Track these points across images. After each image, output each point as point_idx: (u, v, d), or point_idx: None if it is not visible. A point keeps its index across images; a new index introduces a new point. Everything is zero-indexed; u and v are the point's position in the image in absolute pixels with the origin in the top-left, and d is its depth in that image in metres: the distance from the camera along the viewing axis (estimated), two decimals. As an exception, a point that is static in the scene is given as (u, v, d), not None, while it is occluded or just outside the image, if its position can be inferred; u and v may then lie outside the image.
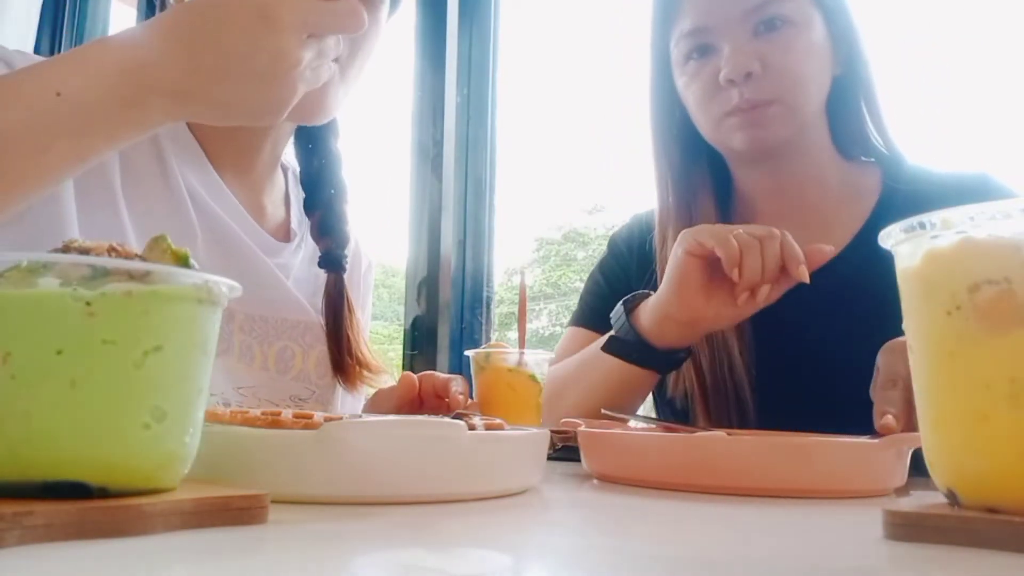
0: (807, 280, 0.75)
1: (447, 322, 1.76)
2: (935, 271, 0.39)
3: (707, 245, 0.78)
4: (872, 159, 1.00)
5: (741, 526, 0.42)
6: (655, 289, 0.88)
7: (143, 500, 0.34)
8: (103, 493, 0.34)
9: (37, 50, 2.21)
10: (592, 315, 1.07)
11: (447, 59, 1.82)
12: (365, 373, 0.93)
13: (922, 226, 0.40)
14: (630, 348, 0.86)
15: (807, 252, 0.76)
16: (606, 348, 0.88)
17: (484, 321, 1.80)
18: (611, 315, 0.90)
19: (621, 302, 0.90)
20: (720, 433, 0.61)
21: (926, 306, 0.40)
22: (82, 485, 0.34)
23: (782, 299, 0.80)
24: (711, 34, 0.93)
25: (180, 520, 0.35)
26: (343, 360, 0.92)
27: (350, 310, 0.93)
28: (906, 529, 0.37)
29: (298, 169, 0.99)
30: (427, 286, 1.79)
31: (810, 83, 0.92)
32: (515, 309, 0.94)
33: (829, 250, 0.77)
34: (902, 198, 0.94)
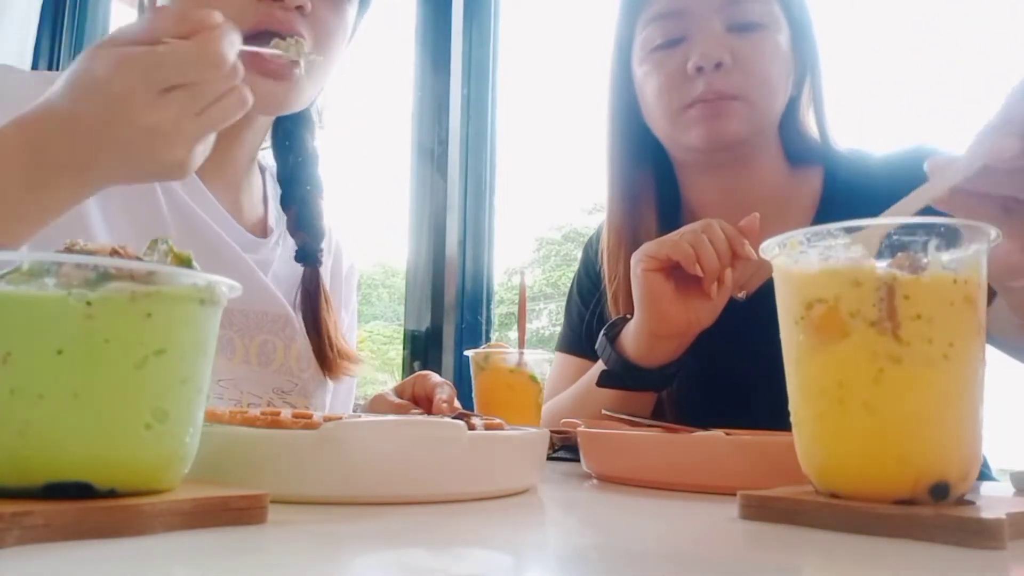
0: (755, 257, 0.77)
1: (452, 322, 1.76)
2: (786, 287, 0.46)
3: (661, 255, 0.81)
4: (814, 161, 0.99)
5: (741, 525, 0.42)
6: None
7: (143, 500, 0.34)
8: (111, 494, 0.34)
9: (37, 49, 2.21)
10: (577, 340, 1.09)
11: (452, 58, 1.82)
12: (345, 363, 0.95)
13: (781, 246, 0.45)
14: (624, 377, 0.87)
15: (741, 230, 0.80)
16: (601, 383, 0.88)
17: (484, 321, 1.80)
18: (596, 347, 0.91)
19: (603, 332, 0.90)
20: (719, 433, 0.61)
21: (783, 315, 0.46)
22: (87, 485, 0.34)
23: (732, 312, 0.83)
24: (682, 20, 0.91)
25: (180, 520, 0.35)
26: (324, 351, 0.93)
27: (327, 302, 0.95)
28: (755, 510, 0.43)
29: (275, 167, 1.00)
30: (432, 286, 1.78)
31: (774, 88, 0.91)
32: (515, 309, 0.94)
33: (755, 216, 0.80)
34: (842, 199, 0.94)
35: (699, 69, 0.88)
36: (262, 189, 1.00)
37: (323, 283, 0.95)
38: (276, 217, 0.99)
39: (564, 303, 1.19)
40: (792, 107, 0.96)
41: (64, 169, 0.56)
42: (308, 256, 0.94)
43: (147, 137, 0.54)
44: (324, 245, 1.00)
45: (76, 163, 0.55)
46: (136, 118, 0.54)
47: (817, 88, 0.97)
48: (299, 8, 0.79)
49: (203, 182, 0.88)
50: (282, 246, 0.97)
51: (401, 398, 0.88)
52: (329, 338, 0.93)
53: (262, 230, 0.96)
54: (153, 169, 0.57)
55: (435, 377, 0.88)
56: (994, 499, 0.44)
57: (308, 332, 0.93)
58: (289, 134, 0.98)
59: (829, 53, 0.97)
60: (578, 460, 0.68)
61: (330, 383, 0.97)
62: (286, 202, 0.96)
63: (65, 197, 0.57)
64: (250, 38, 0.78)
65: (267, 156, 1.01)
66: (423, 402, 0.86)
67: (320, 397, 0.95)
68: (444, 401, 0.81)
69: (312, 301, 0.93)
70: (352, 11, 0.87)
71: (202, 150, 0.59)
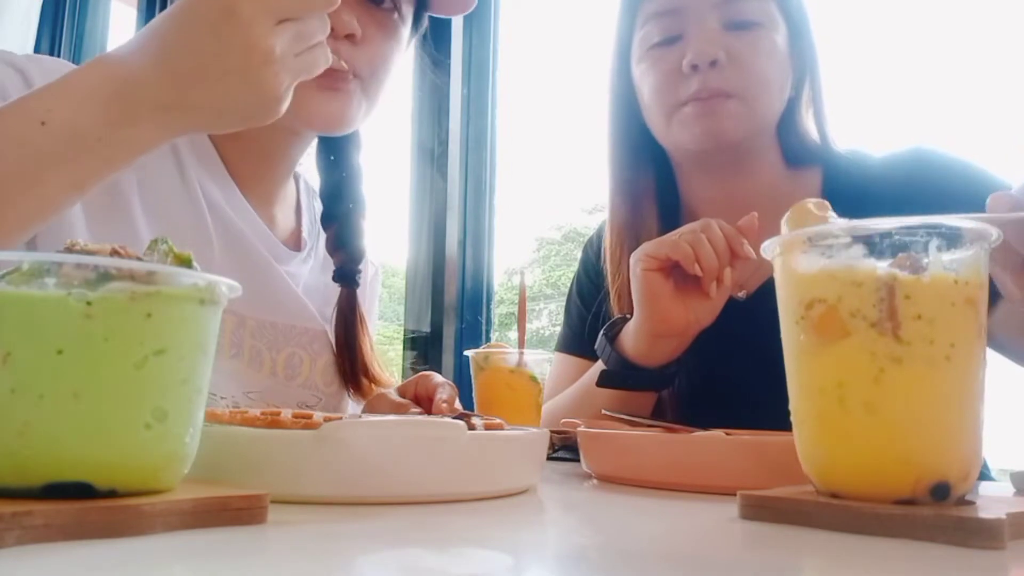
0: (753, 256, 0.77)
1: (452, 323, 1.76)
2: (786, 286, 0.46)
3: (660, 255, 0.81)
4: (813, 162, 0.98)
5: (741, 525, 0.42)
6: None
7: (143, 500, 0.34)
8: (111, 494, 0.34)
9: (37, 50, 2.21)
10: (577, 341, 1.09)
11: (452, 57, 1.82)
12: (375, 387, 0.94)
13: (782, 245, 0.45)
14: (624, 378, 0.87)
15: (740, 230, 0.80)
16: (601, 383, 0.88)
17: (484, 321, 1.80)
18: (596, 347, 0.91)
19: (602, 332, 0.90)
20: (719, 433, 0.61)
21: (784, 314, 0.46)
22: (87, 485, 0.34)
23: (731, 311, 0.83)
24: (679, 17, 0.91)
25: (180, 520, 0.35)
26: (355, 375, 0.92)
27: (362, 324, 0.93)
28: (755, 510, 0.43)
29: (311, 178, 0.99)
30: (432, 286, 1.78)
31: (771, 87, 0.91)
32: (515, 309, 0.94)
33: (754, 216, 0.80)
34: (842, 200, 0.93)
35: (694, 67, 0.88)
36: (296, 199, 0.99)
37: (360, 306, 0.94)
38: (309, 229, 0.97)
39: (564, 303, 1.19)
40: (791, 108, 0.96)
41: (151, 106, 0.56)
42: (346, 277, 0.92)
43: (261, 64, 0.56)
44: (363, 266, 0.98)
45: (166, 101, 0.56)
46: (256, 42, 0.55)
47: (816, 89, 0.96)
48: (349, 37, 0.78)
49: (242, 192, 0.87)
50: (313, 258, 0.96)
51: (403, 398, 0.88)
52: (364, 363, 0.92)
53: (295, 242, 0.95)
54: (252, 102, 0.58)
55: (437, 377, 0.88)
56: (994, 499, 0.44)
57: (340, 354, 0.92)
58: (335, 149, 0.96)
59: (828, 54, 0.97)
60: (578, 460, 0.68)
61: (350, 400, 0.96)
62: (327, 220, 0.95)
63: (150, 136, 0.57)
64: None
65: (302, 164, 0.99)
66: (425, 402, 0.86)
67: (343, 412, 0.95)
68: (444, 401, 0.80)
69: (347, 323, 0.92)
70: (406, 31, 0.87)
71: (290, 97, 0.61)
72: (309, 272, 0.94)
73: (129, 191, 0.77)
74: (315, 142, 0.96)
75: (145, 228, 0.77)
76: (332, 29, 0.76)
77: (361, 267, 0.94)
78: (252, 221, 0.87)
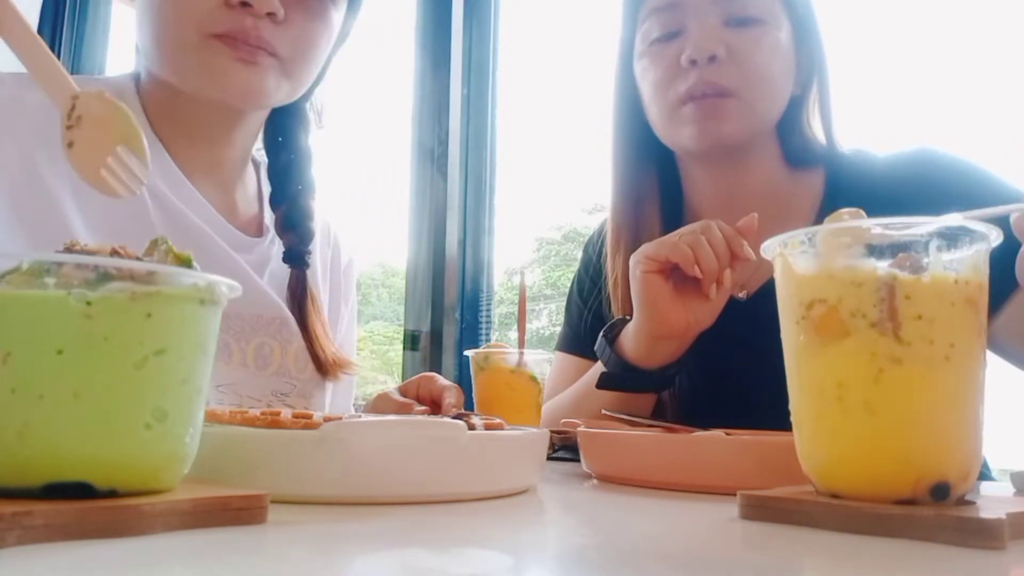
0: (753, 257, 0.77)
1: (452, 322, 1.76)
2: (787, 287, 0.46)
3: (660, 257, 0.81)
4: (816, 163, 0.98)
5: (741, 525, 0.42)
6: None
7: (142, 500, 0.34)
8: (111, 494, 0.34)
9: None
10: (577, 340, 1.09)
11: (452, 57, 1.82)
12: (338, 368, 0.94)
13: (783, 245, 0.46)
14: (624, 379, 0.87)
15: (739, 231, 0.80)
16: (600, 385, 0.88)
17: (484, 321, 1.80)
18: (596, 349, 0.91)
19: (602, 334, 0.90)
20: (719, 433, 0.61)
21: (784, 315, 0.46)
22: (87, 485, 0.34)
23: (731, 312, 0.83)
24: (679, 13, 0.91)
25: (179, 520, 0.35)
26: (316, 353, 0.92)
27: (314, 305, 0.93)
28: (755, 510, 0.43)
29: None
30: (432, 286, 1.78)
31: (772, 85, 0.90)
32: (515, 309, 0.94)
33: (754, 217, 0.80)
34: (843, 202, 0.93)
35: (692, 62, 0.88)
36: (256, 186, 0.99)
37: (311, 287, 0.94)
38: (271, 215, 0.97)
39: (564, 303, 1.19)
40: (796, 108, 0.95)
41: None
42: (295, 258, 0.92)
43: None
44: (319, 242, 0.98)
45: None
46: None
47: (824, 90, 0.96)
48: (271, 15, 0.78)
49: (193, 183, 0.86)
50: (278, 244, 0.95)
51: (405, 397, 0.88)
52: (319, 342, 0.92)
53: (257, 229, 0.95)
54: None
55: (441, 380, 0.88)
56: (994, 499, 0.44)
57: (302, 334, 0.92)
58: (282, 130, 0.96)
59: (836, 55, 0.96)
60: (578, 460, 0.68)
61: (328, 383, 0.96)
62: (275, 201, 0.95)
63: None
64: (218, 42, 0.77)
65: (263, 152, 1.00)
66: (427, 403, 0.86)
67: (319, 398, 0.95)
68: (453, 406, 0.80)
69: (299, 305, 0.92)
70: (337, 15, 0.86)
71: None
72: (275, 258, 0.94)
73: (60, 191, 0.76)
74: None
75: (82, 227, 0.76)
76: (252, 6, 0.76)
77: (311, 248, 0.94)
78: (205, 211, 0.86)
